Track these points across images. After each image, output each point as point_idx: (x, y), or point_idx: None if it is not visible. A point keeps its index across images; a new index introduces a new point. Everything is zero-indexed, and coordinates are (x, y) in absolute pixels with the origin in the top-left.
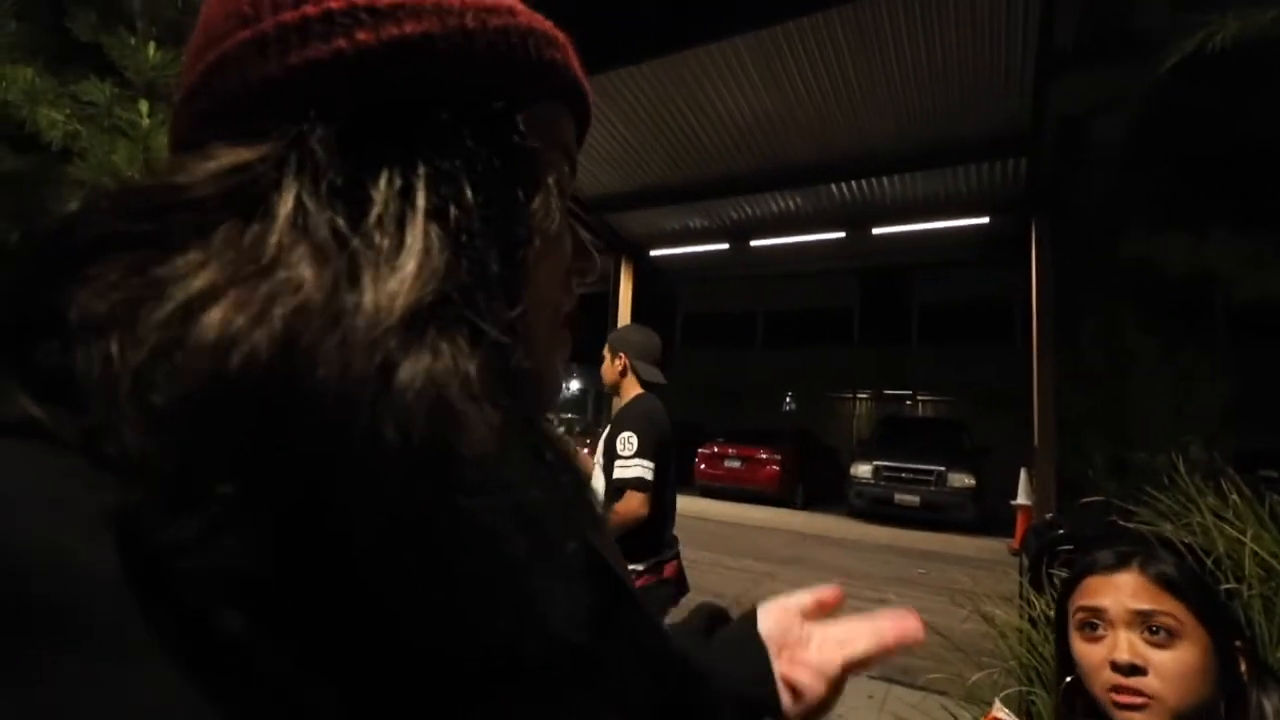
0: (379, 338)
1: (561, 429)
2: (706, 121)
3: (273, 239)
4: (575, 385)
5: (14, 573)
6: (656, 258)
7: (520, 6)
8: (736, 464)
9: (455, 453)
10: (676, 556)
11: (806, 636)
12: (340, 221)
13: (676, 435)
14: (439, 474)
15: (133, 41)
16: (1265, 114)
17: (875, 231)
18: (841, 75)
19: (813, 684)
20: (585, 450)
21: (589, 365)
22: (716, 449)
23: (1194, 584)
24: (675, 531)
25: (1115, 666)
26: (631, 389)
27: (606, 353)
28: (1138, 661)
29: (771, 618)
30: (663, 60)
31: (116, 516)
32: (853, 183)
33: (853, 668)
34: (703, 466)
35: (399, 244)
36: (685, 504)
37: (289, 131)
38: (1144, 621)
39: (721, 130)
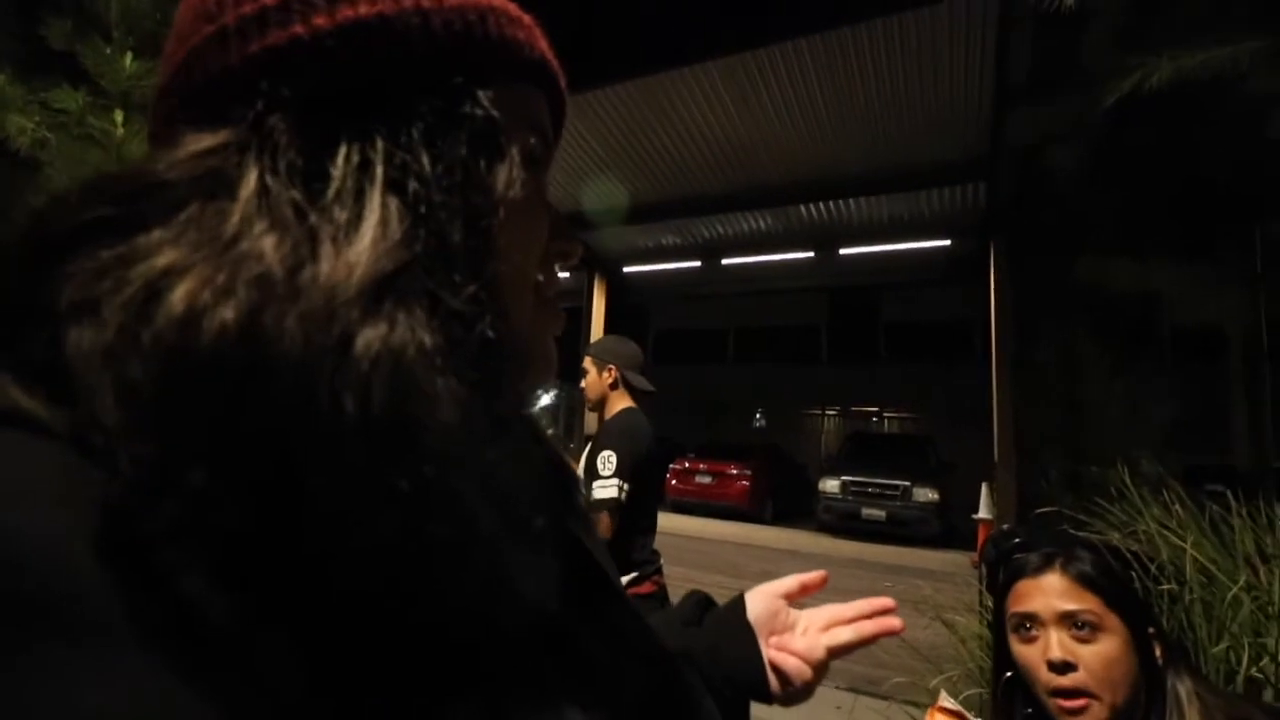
0: (338, 309)
1: None
2: (680, 141)
3: (235, 217)
4: (546, 399)
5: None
6: (630, 274)
7: None
8: (707, 479)
9: (416, 422)
10: (658, 572)
11: (793, 621)
12: (300, 197)
13: (659, 450)
14: (400, 443)
15: (108, 51)
16: (1203, 148)
17: (842, 252)
18: (810, 101)
19: (799, 670)
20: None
21: (562, 380)
22: (688, 464)
23: (1109, 579)
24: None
25: (1050, 665)
26: (618, 402)
27: (591, 365)
28: (1069, 658)
29: (759, 604)
30: (637, 82)
31: (100, 505)
32: (821, 204)
33: (836, 654)
34: (674, 482)
35: (357, 216)
36: (658, 520)
37: (251, 115)
38: (1070, 619)
39: (694, 150)
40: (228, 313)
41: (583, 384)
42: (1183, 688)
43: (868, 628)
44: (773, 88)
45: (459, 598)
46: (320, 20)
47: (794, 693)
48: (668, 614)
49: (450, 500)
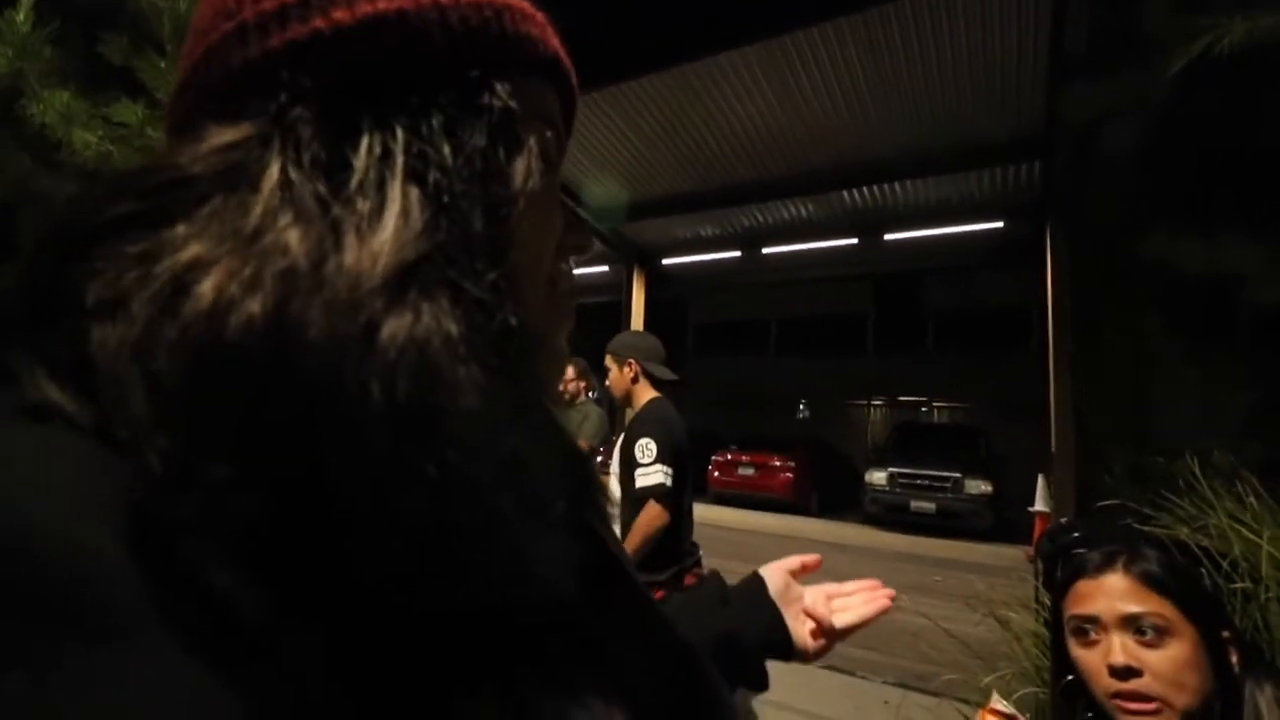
0: (363, 298)
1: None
2: (717, 130)
3: (258, 209)
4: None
5: (23, 556)
6: (668, 266)
7: None
8: (750, 471)
9: (440, 408)
10: (698, 564)
11: (799, 594)
12: (323, 189)
13: (691, 443)
14: (425, 430)
15: (162, 65)
16: (1275, 117)
17: (888, 237)
18: (852, 83)
19: (814, 643)
20: (601, 457)
21: (602, 375)
22: (730, 456)
23: (1178, 579)
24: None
25: (1112, 670)
26: (644, 394)
27: (611, 364)
28: (1132, 663)
29: (775, 579)
30: (672, 71)
31: (125, 498)
32: (864, 189)
33: (846, 634)
34: (716, 474)
35: (380, 206)
36: (700, 511)
37: (273, 108)
38: (1134, 623)
39: (732, 139)
40: (254, 305)
41: (607, 383)
42: (1262, 696)
43: (866, 610)
44: (812, 71)
45: (481, 581)
46: (340, 14)
47: (815, 652)
48: (694, 597)
49: (473, 485)
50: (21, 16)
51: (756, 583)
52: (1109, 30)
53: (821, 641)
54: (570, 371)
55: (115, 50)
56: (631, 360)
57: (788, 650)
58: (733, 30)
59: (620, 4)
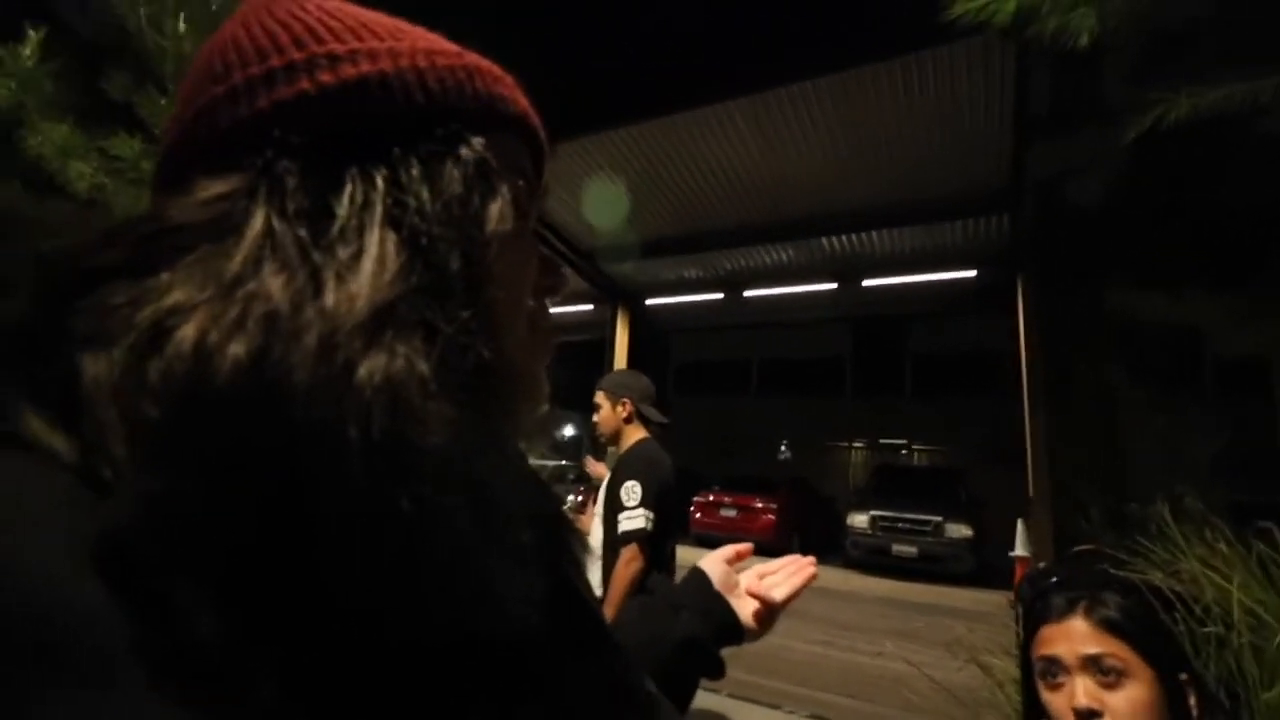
0: (341, 340)
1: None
2: (701, 177)
3: (241, 256)
4: (569, 431)
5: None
6: (652, 307)
7: (467, 50)
8: (732, 513)
9: (413, 445)
10: None
11: (738, 580)
12: (305, 236)
13: (676, 483)
14: (398, 465)
15: (163, 102)
16: (1229, 179)
17: (865, 283)
18: (830, 137)
19: (757, 624)
20: (582, 497)
21: (585, 412)
22: (712, 497)
23: (1135, 623)
24: (676, 583)
25: (1076, 713)
26: (633, 435)
27: (604, 400)
28: (1094, 705)
29: (715, 571)
30: (660, 121)
31: (103, 539)
32: (842, 236)
33: (785, 605)
34: (698, 515)
35: (358, 251)
36: (681, 553)
37: (260, 162)
38: (1095, 664)
39: (716, 185)
40: (239, 348)
41: (595, 418)
42: None
43: (796, 580)
44: (791, 124)
45: (447, 612)
46: (325, 77)
47: (760, 630)
48: (646, 609)
49: (443, 518)
50: (28, 51)
51: (701, 578)
52: (1070, 96)
53: (762, 616)
54: None
55: (117, 86)
56: (626, 399)
57: (739, 635)
58: (718, 83)
59: (610, 56)
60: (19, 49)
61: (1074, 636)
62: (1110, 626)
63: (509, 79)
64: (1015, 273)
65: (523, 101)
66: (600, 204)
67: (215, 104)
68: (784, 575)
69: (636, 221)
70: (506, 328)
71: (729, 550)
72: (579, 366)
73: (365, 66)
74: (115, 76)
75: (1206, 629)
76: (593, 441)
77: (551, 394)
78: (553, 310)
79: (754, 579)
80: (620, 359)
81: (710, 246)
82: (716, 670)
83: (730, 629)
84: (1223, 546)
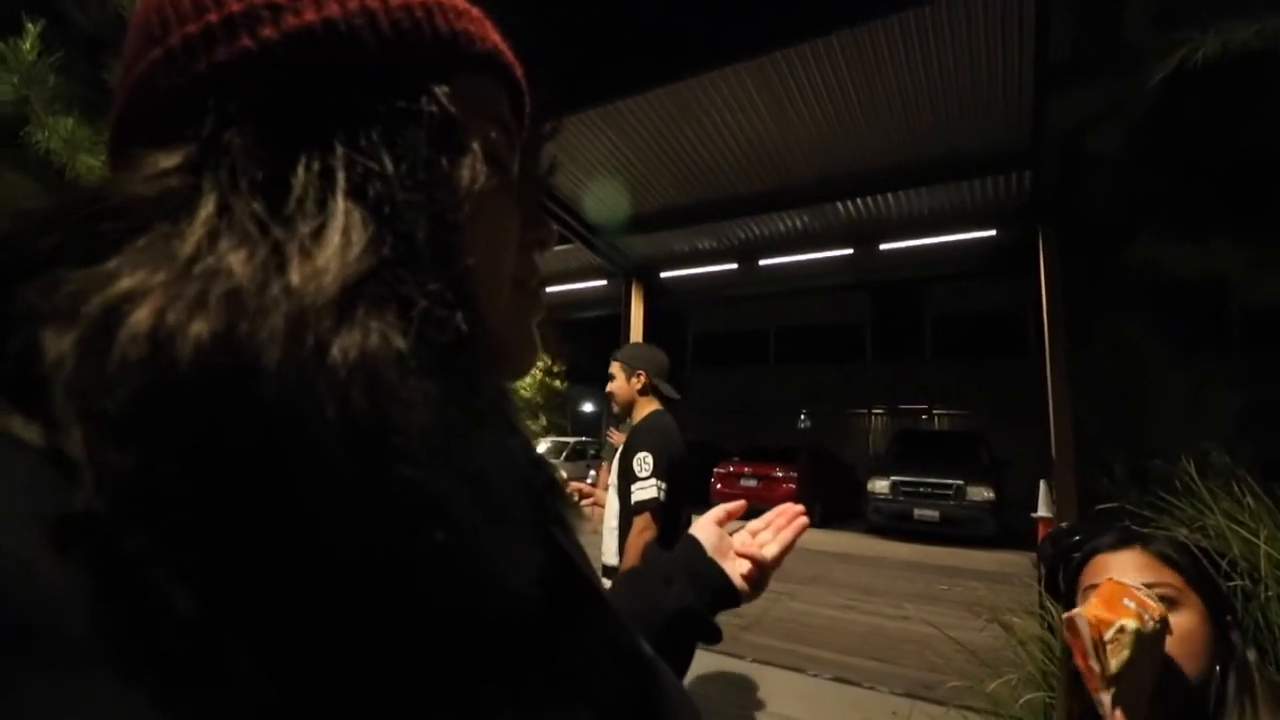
0: (311, 318)
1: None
2: (711, 145)
3: (195, 235)
4: (589, 408)
5: None
6: (666, 279)
7: None
8: (753, 482)
9: (394, 424)
10: None
11: (730, 543)
12: (262, 210)
13: (692, 455)
14: (381, 446)
15: None
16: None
17: (883, 247)
18: (843, 97)
19: (749, 585)
20: (604, 470)
21: (603, 387)
22: (732, 468)
23: (1189, 557)
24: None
25: None
26: (646, 406)
27: (619, 371)
28: None
29: (708, 536)
30: (667, 88)
31: (75, 523)
32: (858, 200)
33: (778, 562)
34: (719, 486)
35: (321, 225)
36: None
37: (205, 133)
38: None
39: (726, 153)
40: (201, 328)
41: (610, 388)
42: (1259, 678)
43: (787, 535)
44: (803, 85)
45: (442, 592)
46: (267, 31)
47: (754, 591)
48: (639, 581)
49: (430, 496)
50: (28, 45)
51: (693, 545)
52: (1092, 42)
53: (754, 577)
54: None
55: (117, 77)
56: (642, 372)
57: (734, 598)
58: (725, 47)
59: (614, 23)
60: (19, 44)
61: (1128, 565)
62: (1166, 559)
63: (475, 12)
64: (1036, 229)
65: (493, 36)
66: (608, 181)
67: (154, 69)
68: (773, 531)
69: (647, 194)
70: (489, 292)
71: (719, 511)
72: (595, 342)
73: (310, 15)
74: (117, 67)
75: (1232, 583)
76: (610, 413)
77: (569, 371)
78: (566, 288)
79: (747, 537)
80: (636, 333)
81: (723, 216)
82: (713, 636)
83: (723, 593)
84: (1249, 501)
